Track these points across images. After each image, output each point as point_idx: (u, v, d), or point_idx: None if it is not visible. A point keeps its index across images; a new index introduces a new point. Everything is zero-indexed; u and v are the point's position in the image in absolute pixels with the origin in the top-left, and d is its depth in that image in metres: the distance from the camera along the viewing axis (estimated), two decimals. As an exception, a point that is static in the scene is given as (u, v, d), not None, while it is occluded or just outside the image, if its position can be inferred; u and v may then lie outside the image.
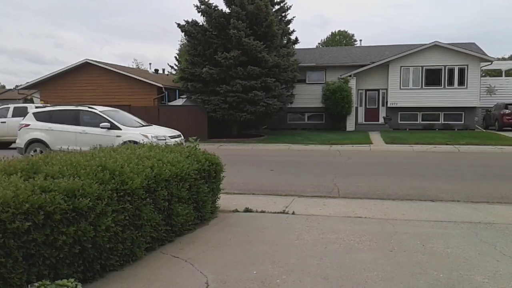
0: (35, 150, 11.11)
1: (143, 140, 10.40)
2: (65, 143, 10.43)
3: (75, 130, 11.15)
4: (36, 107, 14.59)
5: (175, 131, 12.35)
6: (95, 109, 11.70)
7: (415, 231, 4.90)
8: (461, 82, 23.86)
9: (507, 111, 22.92)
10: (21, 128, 11.75)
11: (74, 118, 11.41)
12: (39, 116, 11.71)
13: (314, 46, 48.65)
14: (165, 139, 10.80)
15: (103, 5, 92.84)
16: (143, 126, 12.19)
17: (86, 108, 11.74)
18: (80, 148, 10.05)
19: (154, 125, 12.84)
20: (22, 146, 11.51)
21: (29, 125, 11.61)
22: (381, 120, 25.37)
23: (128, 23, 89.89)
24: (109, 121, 11.12)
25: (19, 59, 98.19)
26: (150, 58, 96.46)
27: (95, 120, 11.32)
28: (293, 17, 25.16)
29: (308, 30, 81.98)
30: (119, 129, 11.09)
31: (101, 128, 10.97)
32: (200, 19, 21.74)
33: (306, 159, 13.53)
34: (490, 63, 24.21)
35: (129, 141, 10.33)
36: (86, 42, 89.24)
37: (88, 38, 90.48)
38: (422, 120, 24.74)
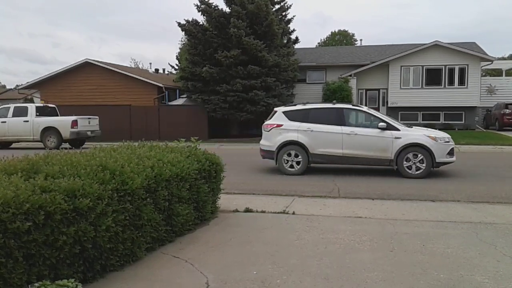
0: (289, 154, 9.85)
1: (427, 143, 9.19)
2: (328, 145, 9.67)
3: (341, 131, 9.62)
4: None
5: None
6: (362, 106, 10.48)
7: (415, 231, 4.90)
8: (462, 81, 23.86)
9: (507, 111, 22.95)
10: (271, 128, 10.23)
11: (337, 118, 9.86)
12: (291, 115, 10.18)
13: (314, 45, 48.69)
14: (449, 141, 9.50)
15: (102, 3, 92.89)
16: (411, 126, 10.58)
17: (350, 106, 10.42)
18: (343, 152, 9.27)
19: (413, 126, 11.12)
20: (274, 150, 9.99)
21: (281, 125, 10.09)
22: (382, 120, 25.34)
23: (127, 22, 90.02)
24: (385, 121, 9.59)
25: (18, 58, 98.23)
26: (149, 58, 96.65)
27: (363, 120, 10.01)
28: (293, 16, 25.11)
29: (308, 28, 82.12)
30: (397, 129, 9.49)
31: (377, 128, 9.48)
32: (201, 19, 21.80)
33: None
34: (490, 62, 24.22)
35: (412, 143, 9.27)
36: (85, 42, 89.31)
37: (86, 37, 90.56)
38: (422, 120, 24.73)
